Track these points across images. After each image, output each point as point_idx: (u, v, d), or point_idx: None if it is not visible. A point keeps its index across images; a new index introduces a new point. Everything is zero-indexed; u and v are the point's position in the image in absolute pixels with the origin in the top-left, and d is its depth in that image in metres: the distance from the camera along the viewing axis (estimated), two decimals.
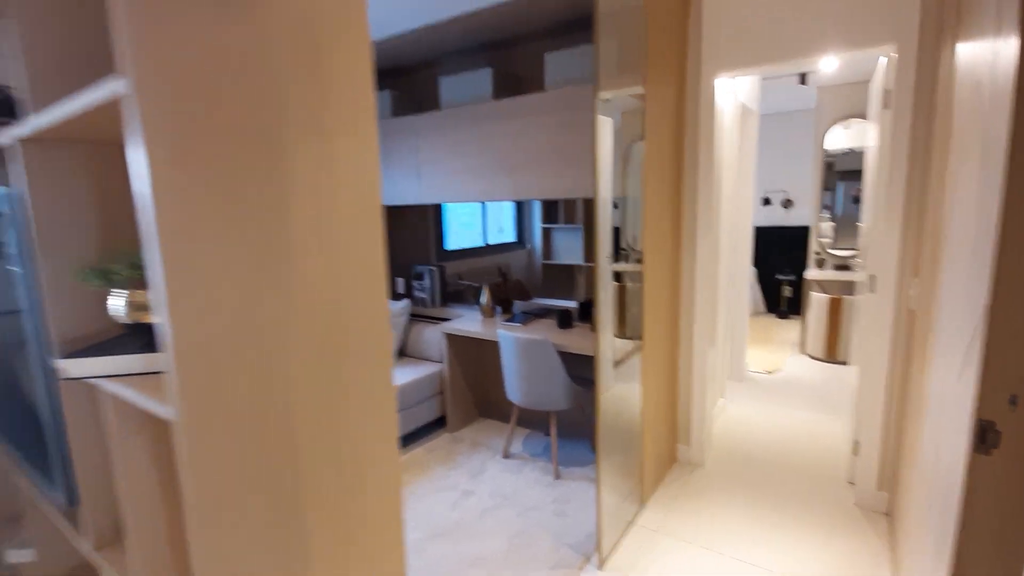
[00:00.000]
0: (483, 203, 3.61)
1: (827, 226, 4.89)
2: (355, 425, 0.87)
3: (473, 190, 3.16)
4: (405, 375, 3.21)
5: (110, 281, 0.84)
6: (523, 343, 2.64)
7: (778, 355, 4.62)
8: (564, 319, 2.96)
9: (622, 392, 2.27)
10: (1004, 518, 0.99)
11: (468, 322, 3.25)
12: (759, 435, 3.16)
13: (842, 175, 4.86)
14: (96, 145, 0.99)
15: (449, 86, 3.19)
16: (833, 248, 4.83)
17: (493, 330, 3.00)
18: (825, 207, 4.88)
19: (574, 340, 2.71)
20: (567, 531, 2.32)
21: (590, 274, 3.20)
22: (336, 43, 0.79)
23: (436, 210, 3.81)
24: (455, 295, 3.76)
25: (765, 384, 3.98)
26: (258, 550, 0.74)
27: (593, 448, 3.08)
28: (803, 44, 2.28)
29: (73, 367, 0.78)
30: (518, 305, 3.41)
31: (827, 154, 4.76)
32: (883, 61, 2.40)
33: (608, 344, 2.15)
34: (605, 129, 1.95)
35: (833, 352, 4.39)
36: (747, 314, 3.99)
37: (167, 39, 0.60)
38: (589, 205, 3.16)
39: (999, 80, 0.99)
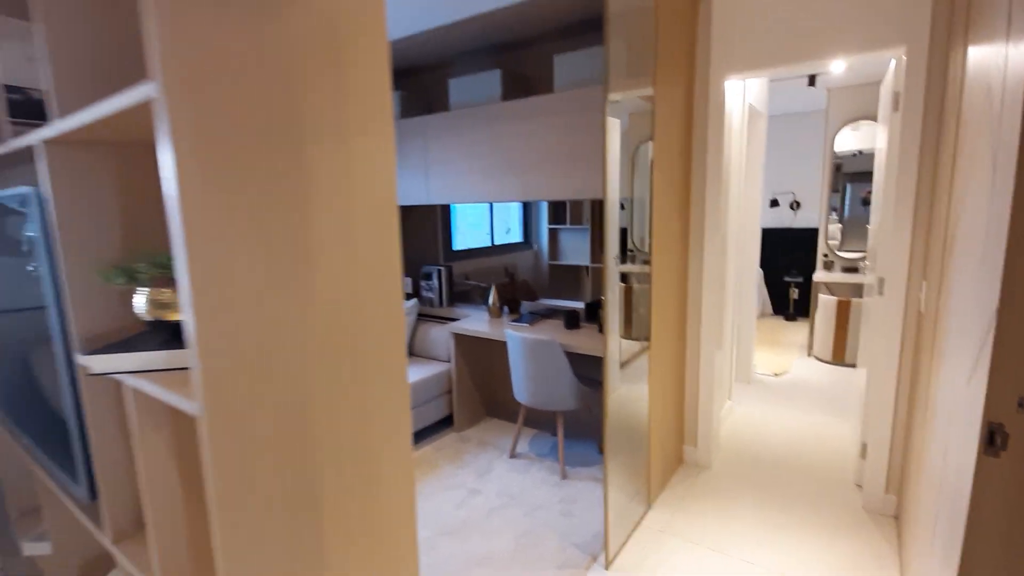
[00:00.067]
0: (490, 203, 3.63)
1: (835, 228, 4.87)
2: (370, 422, 0.89)
3: (481, 191, 3.18)
4: (413, 374, 3.23)
5: (134, 279, 0.86)
6: (530, 343, 2.66)
7: (785, 357, 4.61)
8: (571, 320, 2.97)
9: (629, 393, 2.28)
10: (1012, 520, 0.99)
11: (475, 322, 3.26)
12: (766, 437, 3.16)
13: (850, 177, 4.84)
14: (117, 147, 1.02)
15: (458, 87, 3.21)
16: (841, 250, 4.82)
17: (500, 330, 3.02)
18: (833, 209, 4.86)
19: (581, 341, 2.73)
20: (574, 531, 2.33)
21: (596, 275, 3.21)
22: (355, 47, 0.81)
23: (444, 210, 3.83)
24: (462, 295, 3.78)
25: (772, 386, 3.97)
26: (276, 542, 0.76)
27: (599, 449, 3.09)
28: (813, 46, 2.28)
29: (98, 363, 0.80)
30: (525, 305, 3.43)
31: (836, 156, 4.75)
32: (893, 63, 2.40)
33: (615, 345, 2.16)
34: (613, 130, 1.96)
35: (841, 355, 4.38)
36: (754, 316, 3.99)
37: (195, 45, 0.62)
38: (596, 206, 3.17)
39: (1010, 84, 1.00)
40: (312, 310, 0.78)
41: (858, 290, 4.47)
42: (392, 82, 3.87)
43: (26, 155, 1.18)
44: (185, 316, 0.65)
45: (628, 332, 2.34)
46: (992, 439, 0.96)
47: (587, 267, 3.26)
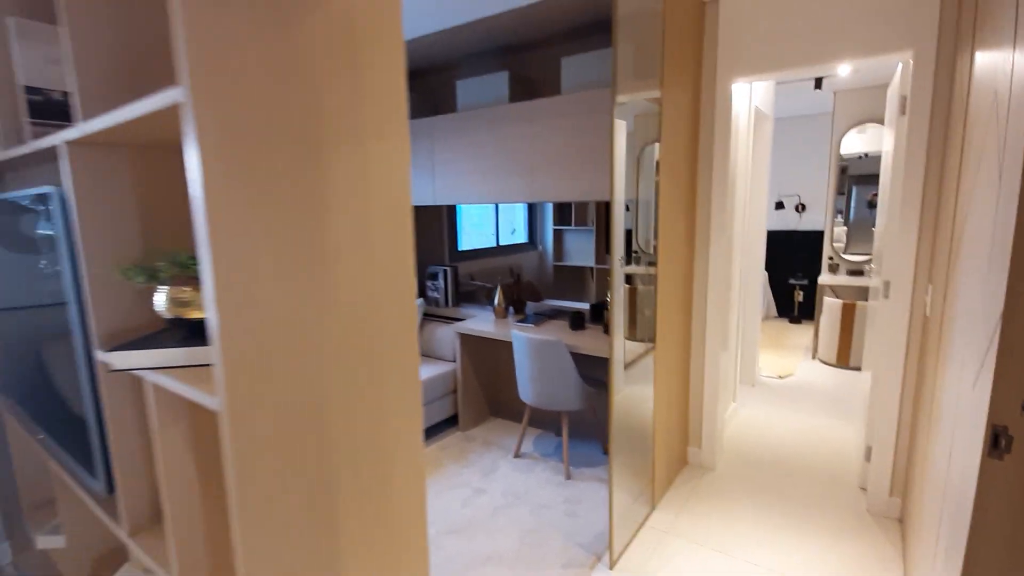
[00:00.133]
0: (496, 204, 3.65)
1: (840, 231, 4.87)
2: (384, 420, 0.91)
3: (488, 192, 3.20)
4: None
5: (155, 278, 0.88)
6: (536, 344, 2.67)
7: (790, 360, 4.61)
8: (576, 320, 2.99)
9: (634, 394, 2.29)
10: (1016, 523, 1.00)
11: (481, 322, 3.28)
12: (771, 439, 3.16)
13: (856, 179, 4.84)
14: (135, 148, 1.04)
15: (466, 89, 3.23)
16: (846, 253, 4.81)
17: (506, 331, 3.04)
18: (838, 212, 4.86)
19: (586, 341, 2.74)
20: (578, 531, 2.35)
21: (601, 276, 3.22)
22: (372, 52, 0.83)
23: (450, 211, 3.85)
24: (467, 295, 3.80)
25: (777, 389, 3.97)
26: (293, 536, 0.78)
27: (604, 449, 3.10)
28: (820, 50, 2.29)
29: (120, 359, 0.82)
30: (530, 306, 3.45)
31: (842, 158, 4.75)
32: (900, 67, 2.40)
33: (620, 346, 2.17)
34: (619, 132, 1.98)
35: (845, 357, 4.37)
36: (759, 318, 3.99)
37: (220, 52, 0.64)
38: (601, 207, 3.19)
39: (1016, 90, 1.01)
40: (330, 310, 0.80)
41: (863, 293, 4.47)
42: None
43: (43, 155, 1.20)
44: (209, 314, 0.67)
45: (632, 333, 2.35)
46: (996, 441, 0.97)
47: (592, 268, 3.27)
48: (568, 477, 2.80)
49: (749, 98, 3.06)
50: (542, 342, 2.65)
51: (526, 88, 3.19)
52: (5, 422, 1.89)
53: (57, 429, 1.29)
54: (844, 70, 2.56)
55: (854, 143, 4.67)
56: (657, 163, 2.32)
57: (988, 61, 1.38)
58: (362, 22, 0.81)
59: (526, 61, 3.25)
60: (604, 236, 3.21)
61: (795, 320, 5.90)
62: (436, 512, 2.51)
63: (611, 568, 2.09)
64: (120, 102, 0.97)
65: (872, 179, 4.72)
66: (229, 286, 0.67)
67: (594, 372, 3.13)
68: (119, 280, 1.02)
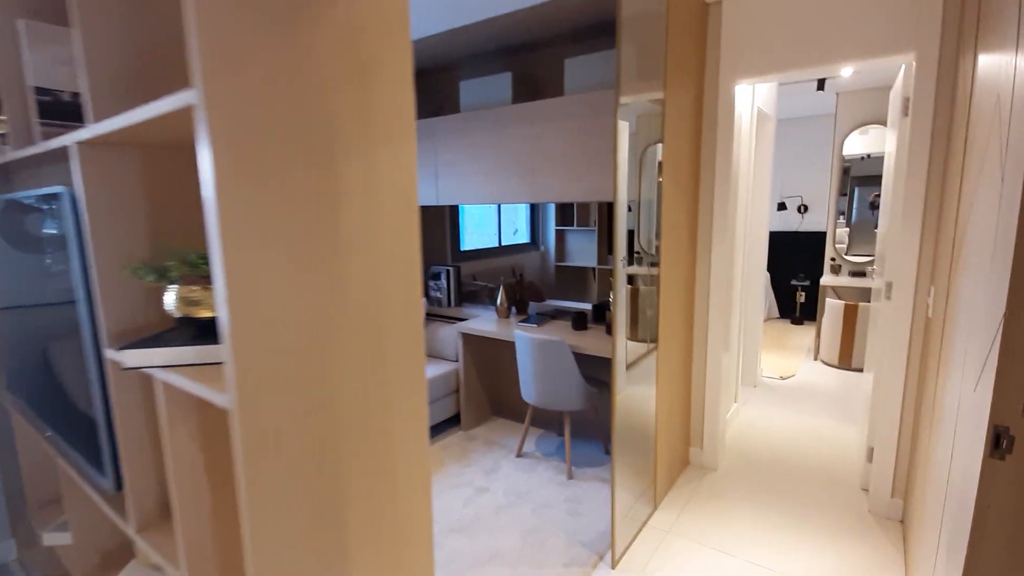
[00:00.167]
0: (498, 205, 3.66)
1: (843, 232, 4.87)
2: (392, 420, 0.92)
3: (491, 192, 3.21)
4: None
5: (165, 277, 0.90)
6: (539, 344, 2.68)
7: (792, 361, 4.61)
8: (579, 321, 3.00)
9: (636, 394, 2.30)
10: (1017, 523, 1.01)
11: (484, 322, 3.29)
12: (772, 440, 3.17)
13: (859, 180, 4.84)
14: (144, 149, 1.05)
15: (469, 89, 3.24)
16: (848, 254, 4.82)
17: (508, 330, 3.05)
18: (841, 213, 4.86)
19: (588, 342, 2.75)
20: (580, 530, 2.35)
21: (603, 276, 3.23)
22: (381, 56, 0.84)
23: (452, 211, 3.86)
24: (470, 295, 3.81)
25: (779, 389, 3.98)
26: (300, 529, 0.79)
27: (606, 449, 3.11)
28: (823, 52, 2.29)
29: (131, 357, 0.83)
30: (532, 306, 3.45)
31: (844, 159, 4.75)
32: (903, 68, 2.41)
33: (623, 346, 2.18)
34: (622, 133, 1.98)
35: (847, 359, 4.38)
36: (761, 319, 4.00)
37: (232, 56, 0.65)
38: (602, 208, 3.20)
39: (1018, 92, 1.02)
40: (338, 309, 0.81)
41: (865, 294, 4.47)
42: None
43: (52, 155, 1.21)
44: (220, 312, 0.68)
45: (634, 334, 2.36)
46: (998, 442, 0.98)
47: (593, 269, 3.28)
48: (570, 477, 2.81)
49: (752, 99, 3.07)
50: (545, 342, 2.66)
51: (529, 89, 3.20)
52: (12, 420, 1.91)
53: (65, 427, 1.31)
54: (847, 72, 2.57)
55: (856, 144, 4.67)
56: (659, 164, 2.33)
57: (990, 63, 1.39)
58: (371, 26, 0.82)
59: (529, 62, 3.26)
60: (606, 236, 3.21)
61: (797, 321, 5.90)
62: (438, 511, 2.52)
63: (613, 567, 2.10)
64: (130, 103, 0.98)
65: (874, 180, 4.72)
66: (240, 285, 0.68)
67: (596, 372, 3.14)
68: (128, 279, 1.03)
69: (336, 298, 0.80)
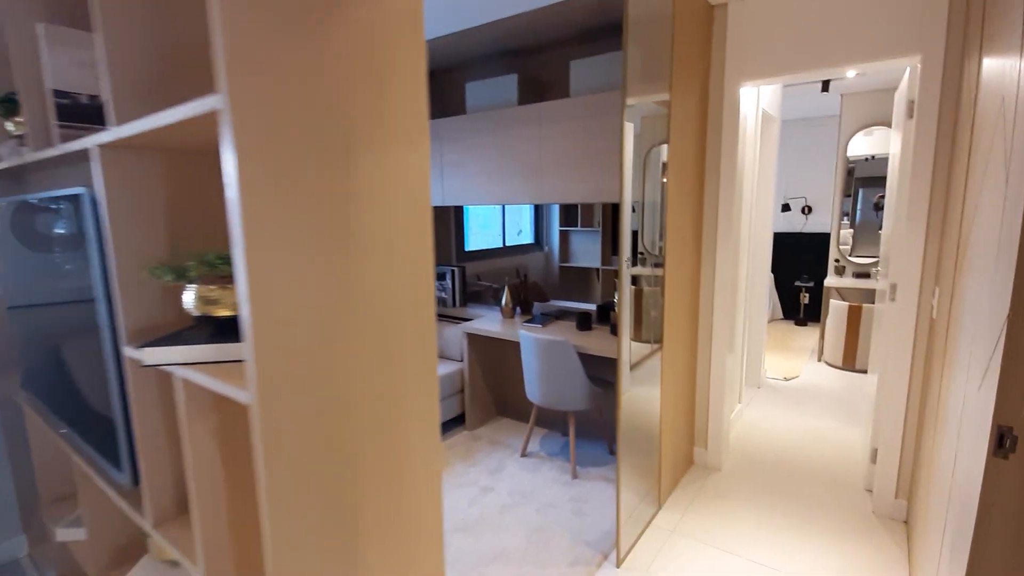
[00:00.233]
0: (503, 205, 3.68)
1: (847, 233, 4.87)
2: (402, 416, 0.94)
3: (496, 193, 3.23)
4: None
5: (184, 277, 0.92)
6: (544, 344, 2.70)
7: (796, 362, 4.61)
8: (583, 321, 3.01)
9: (640, 394, 2.31)
10: (1021, 522, 1.02)
11: (488, 322, 3.31)
12: (776, 441, 3.18)
13: (863, 181, 4.84)
14: (164, 152, 1.07)
15: (475, 91, 3.26)
16: (853, 255, 4.82)
17: (513, 331, 3.06)
18: (845, 214, 4.86)
19: (593, 342, 2.76)
20: (585, 529, 2.37)
21: (607, 277, 3.24)
22: (395, 58, 0.86)
23: (457, 211, 3.88)
24: (474, 295, 3.83)
25: (782, 390, 3.98)
26: (315, 524, 0.81)
27: (610, 449, 3.12)
28: (828, 54, 2.30)
29: (151, 355, 0.85)
30: (537, 306, 3.47)
31: (848, 160, 4.75)
32: (908, 71, 2.42)
33: (627, 347, 2.20)
34: (628, 134, 2.00)
35: (851, 360, 4.38)
36: (765, 320, 4.01)
37: (255, 62, 0.67)
38: (606, 209, 3.21)
39: (1023, 95, 1.03)
40: (356, 308, 0.83)
41: (870, 295, 4.47)
42: None
43: (70, 157, 1.24)
44: (242, 311, 0.70)
45: (639, 334, 2.38)
46: (1001, 442, 0.99)
47: (597, 269, 3.29)
48: (575, 476, 2.82)
49: (756, 101, 3.08)
50: (549, 342, 2.68)
51: (535, 90, 3.22)
52: (25, 418, 1.93)
53: (80, 423, 1.33)
54: (851, 74, 2.58)
55: (861, 145, 4.67)
56: (664, 165, 2.34)
57: (995, 66, 1.40)
58: (386, 31, 0.84)
59: (535, 64, 3.28)
60: (610, 237, 3.23)
61: (801, 322, 5.90)
62: (444, 510, 2.54)
63: (618, 566, 2.11)
64: (151, 106, 1.00)
65: (879, 181, 4.72)
66: (262, 285, 0.70)
67: (600, 372, 3.16)
68: (146, 279, 1.05)
69: (350, 297, 0.82)
